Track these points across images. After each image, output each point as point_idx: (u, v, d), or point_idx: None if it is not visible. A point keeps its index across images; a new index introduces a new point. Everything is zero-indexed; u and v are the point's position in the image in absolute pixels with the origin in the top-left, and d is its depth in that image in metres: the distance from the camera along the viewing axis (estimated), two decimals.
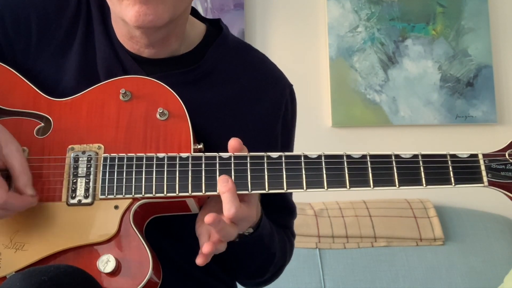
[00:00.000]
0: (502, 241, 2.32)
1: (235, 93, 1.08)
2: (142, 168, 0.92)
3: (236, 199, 0.88)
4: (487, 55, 2.62)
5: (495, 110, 2.59)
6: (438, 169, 0.90)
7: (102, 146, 0.95)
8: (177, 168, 0.91)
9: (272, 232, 1.06)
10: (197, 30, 1.12)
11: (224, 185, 0.88)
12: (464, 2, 2.64)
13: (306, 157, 0.91)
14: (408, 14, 2.62)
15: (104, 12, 1.07)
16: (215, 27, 1.15)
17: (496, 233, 2.34)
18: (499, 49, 2.67)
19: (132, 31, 1.00)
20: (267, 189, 0.90)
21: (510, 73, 2.67)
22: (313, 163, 0.91)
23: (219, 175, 0.90)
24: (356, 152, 0.92)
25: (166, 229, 1.03)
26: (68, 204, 0.93)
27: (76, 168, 0.94)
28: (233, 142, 0.91)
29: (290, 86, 1.16)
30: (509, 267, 2.09)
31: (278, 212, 1.14)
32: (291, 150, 1.16)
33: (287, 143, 1.15)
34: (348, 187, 0.90)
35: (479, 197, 2.45)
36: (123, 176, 0.92)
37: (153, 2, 0.94)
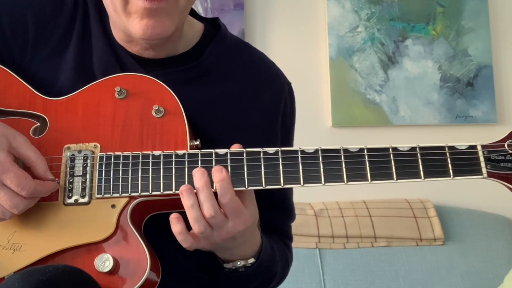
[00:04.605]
0: (502, 241, 2.32)
1: (234, 91, 1.08)
2: (138, 166, 0.92)
3: (231, 188, 0.88)
4: (487, 55, 2.62)
5: (495, 110, 2.59)
6: (436, 161, 0.90)
7: (98, 145, 0.95)
8: (173, 166, 0.91)
9: (273, 253, 1.05)
10: (195, 30, 1.12)
11: (218, 175, 0.88)
12: (464, 2, 2.64)
13: (303, 152, 0.91)
14: (408, 14, 2.62)
15: (102, 11, 1.07)
16: (213, 26, 1.15)
17: (496, 233, 2.33)
18: (499, 49, 2.66)
19: (132, 36, 1.01)
20: (264, 185, 0.90)
21: (510, 73, 2.66)
22: (310, 158, 0.91)
23: None
24: (353, 146, 0.92)
25: (166, 228, 1.02)
26: (65, 204, 0.93)
27: (72, 167, 0.94)
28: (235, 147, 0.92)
29: (288, 84, 1.16)
30: (509, 267, 2.08)
31: (277, 212, 1.14)
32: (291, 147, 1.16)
33: (286, 140, 1.15)
34: (345, 181, 0.90)
35: (479, 197, 2.44)
36: (119, 175, 0.92)
37: (160, 15, 0.95)
